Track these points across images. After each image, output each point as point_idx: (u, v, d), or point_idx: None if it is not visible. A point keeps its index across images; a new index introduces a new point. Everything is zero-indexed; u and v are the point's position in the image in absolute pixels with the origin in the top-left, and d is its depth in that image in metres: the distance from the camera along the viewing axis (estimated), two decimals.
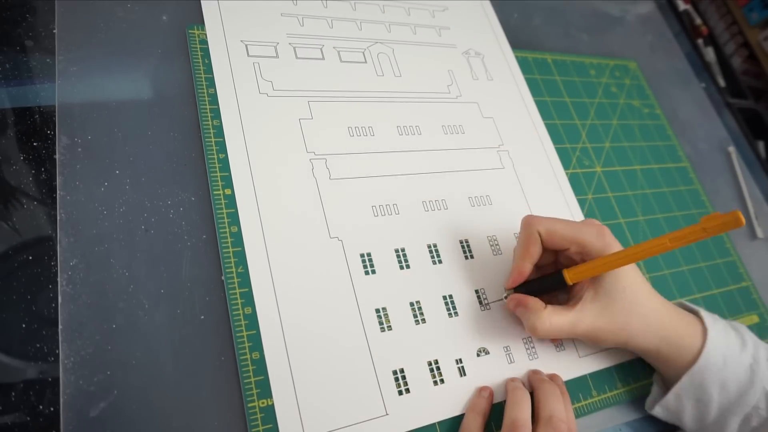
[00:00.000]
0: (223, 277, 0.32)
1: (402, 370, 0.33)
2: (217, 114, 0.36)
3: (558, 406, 0.32)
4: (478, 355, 0.35)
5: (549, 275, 0.36)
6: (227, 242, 0.33)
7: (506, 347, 0.37)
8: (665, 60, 0.65)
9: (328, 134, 0.39)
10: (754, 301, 0.51)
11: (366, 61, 0.44)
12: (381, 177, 0.39)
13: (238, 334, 0.31)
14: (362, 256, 0.36)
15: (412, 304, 0.35)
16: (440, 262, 0.38)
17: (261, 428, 0.29)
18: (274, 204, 0.35)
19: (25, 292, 0.30)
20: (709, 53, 0.71)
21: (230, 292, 0.32)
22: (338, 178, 0.38)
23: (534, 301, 0.35)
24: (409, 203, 0.39)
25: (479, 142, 0.44)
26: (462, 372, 0.35)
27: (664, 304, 0.36)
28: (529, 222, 0.35)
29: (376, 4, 0.47)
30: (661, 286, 0.46)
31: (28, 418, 0.27)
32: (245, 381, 0.30)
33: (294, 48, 0.41)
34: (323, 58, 0.42)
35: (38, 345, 0.28)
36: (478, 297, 0.38)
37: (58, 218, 0.31)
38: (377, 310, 0.34)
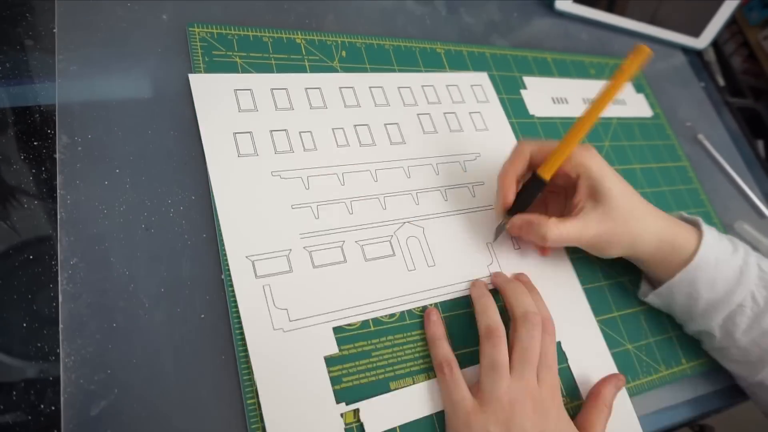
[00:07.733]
0: (222, 276, 0.32)
1: None
2: None
3: (527, 301, 0.35)
4: None
5: (525, 183, 0.37)
6: None
7: None
8: (665, 59, 0.65)
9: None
10: None
11: (395, 254, 0.37)
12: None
13: (237, 333, 0.31)
14: None
15: None
16: None
17: (260, 426, 0.29)
18: None
19: (25, 291, 0.30)
20: (709, 53, 0.71)
21: (230, 290, 0.32)
22: None
23: (537, 216, 0.36)
24: None
25: None
26: None
27: (659, 211, 0.39)
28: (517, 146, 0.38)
29: (400, 166, 0.40)
30: None
31: (29, 417, 0.27)
32: (245, 380, 0.30)
33: (310, 253, 0.34)
34: (345, 261, 0.35)
35: (39, 344, 0.29)
36: None
37: (58, 217, 0.31)
38: None
